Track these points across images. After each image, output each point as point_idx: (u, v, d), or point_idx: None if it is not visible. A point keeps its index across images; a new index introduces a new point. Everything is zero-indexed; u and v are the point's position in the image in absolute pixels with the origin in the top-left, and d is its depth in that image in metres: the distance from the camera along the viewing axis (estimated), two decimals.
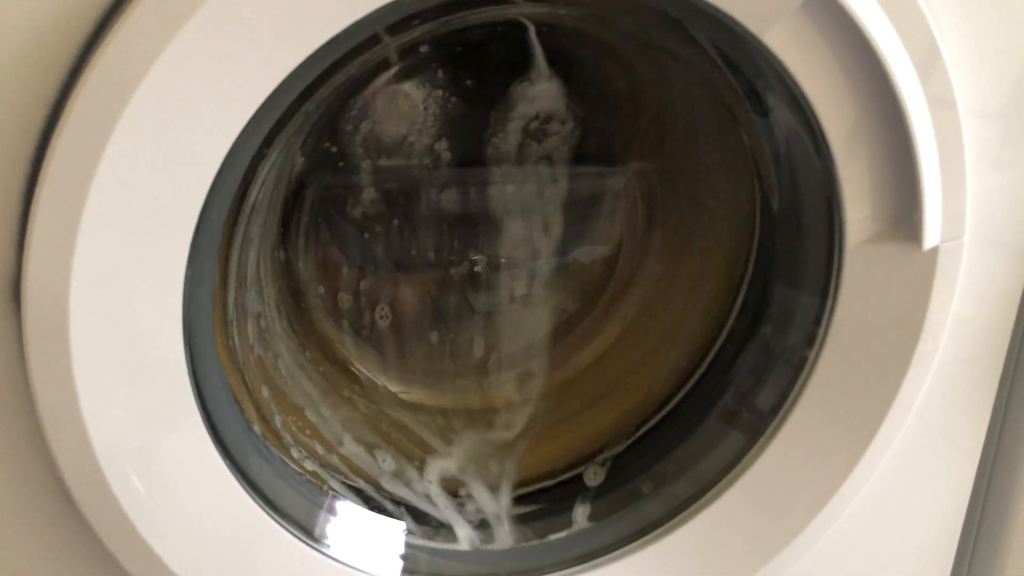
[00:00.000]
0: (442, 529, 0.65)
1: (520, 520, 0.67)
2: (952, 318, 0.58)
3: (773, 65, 0.50)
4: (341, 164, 0.65)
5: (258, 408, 0.60)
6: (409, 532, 0.64)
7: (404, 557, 0.62)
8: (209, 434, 0.51)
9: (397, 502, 0.66)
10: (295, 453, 0.63)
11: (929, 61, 0.50)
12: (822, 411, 0.60)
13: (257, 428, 0.59)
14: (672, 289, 0.73)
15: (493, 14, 0.58)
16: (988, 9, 0.53)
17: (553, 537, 0.65)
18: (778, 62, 0.49)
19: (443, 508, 0.66)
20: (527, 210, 0.70)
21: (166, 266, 0.46)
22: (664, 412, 0.70)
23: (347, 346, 0.72)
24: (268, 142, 0.52)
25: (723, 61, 0.55)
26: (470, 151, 0.67)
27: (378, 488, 0.66)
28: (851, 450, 0.60)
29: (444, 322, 0.73)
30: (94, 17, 0.43)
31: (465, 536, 0.65)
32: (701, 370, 0.69)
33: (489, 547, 0.65)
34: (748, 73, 0.55)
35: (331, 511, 0.61)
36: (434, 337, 0.73)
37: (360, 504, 0.64)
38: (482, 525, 0.66)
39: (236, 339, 0.59)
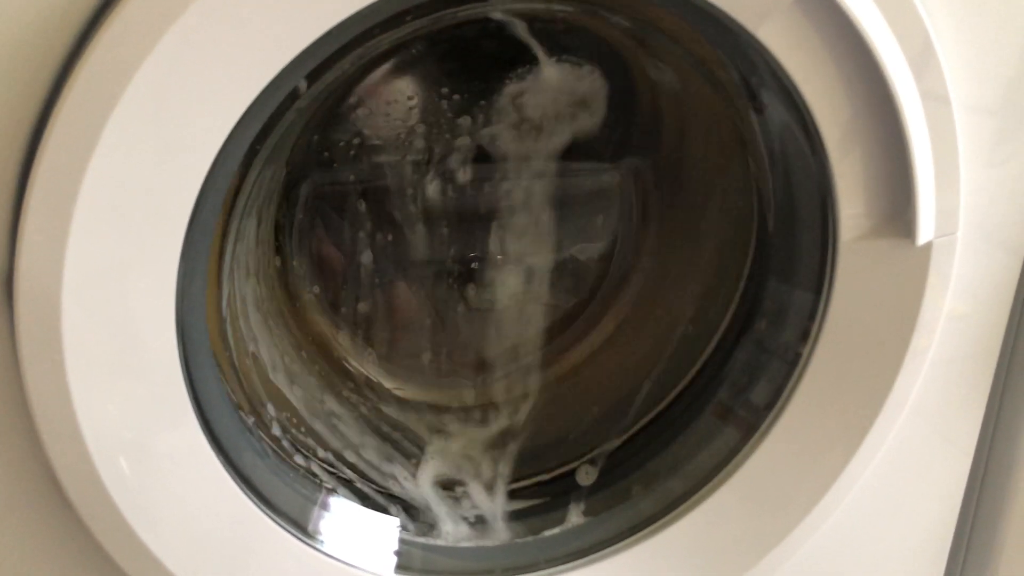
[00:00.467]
0: (436, 525, 0.65)
1: (514, 516, 0.67)
2: (946, 314, 0.58)
3: (767, 60, 0.50)
4: (334, 161, 0.65)
5: (252, 404, 0.60)
6: (403, 528, 0.64)
7: (398, 553, 0.62)
8: (203, 430, 0.51)
9: (391, 498, 0.66)
10: (289, 449, 0.63)
11: (923, 57, 0.50)
12: (816, 407, 0.60)
13: (251, 424, 0.59)
14: (667, 285, 0.73)
15: (486, 10, 0.58)
16: (982, 4, 0.53)
17: (547, 533, 0.65)
18: (772, 57, 0.49)
19: (437, 504, 0.66)
20: (522, 207, 0.70)
21: (159, 262, 0.46)
22: (659, 408, 0.70)
23: (342, 342, 0.72)
24: (261, 138, 0.52)
25: (717, 56, 0.55)
26: (464, 148, 0.66)
27: (372, 484, 0.66)
28: (846, 446, 0.60)
29: (439, 319, 0.73)
30: (86, 12, 0.43)
31: (459, 532, 0.65)
32: (696, 366, 0.69)
33: (483, 543, 0.65)
34: (742, 69, 0.55)
35: (325, 507, 0.61)
36: (429, 334, 0.73)
37: (354, 500, 0.64)
38: (476, 521, 0.66)
39: (230, 335, 0.59)
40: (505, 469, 0.69)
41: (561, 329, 0.74)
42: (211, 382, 0.53)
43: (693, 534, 0.62)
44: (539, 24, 0.61)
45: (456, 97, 0.65)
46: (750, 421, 0.62)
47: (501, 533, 0.65)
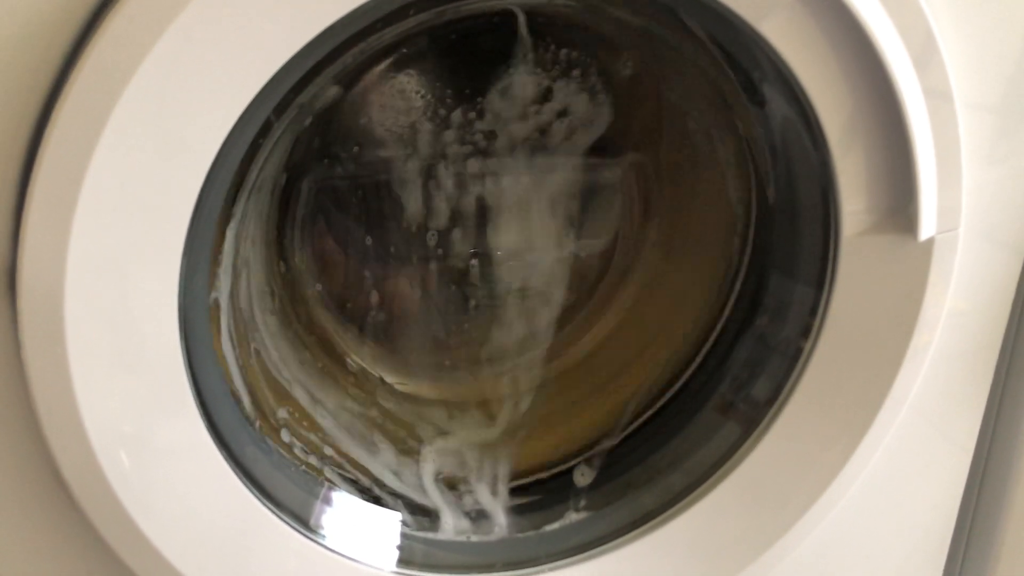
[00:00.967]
0: (438, 520, 0.65)
1: (515, 511, 0.67)
2: (947, 311, 0.58)
3: (769, 55, 0.50)
4: (336, 157, 0.65)
5: (254, 398, 0.60)
6: (404, 523, 0.64)
7: (400, 548, 0.62)
8: (205, 424, 0.51)
9: (393, 493, 0.66)
10: (291, 443, 0.63)
11: (926, 52, 0.50)
12: (817, 402, 0.60)
13: (253, 418, 0.59)
14: (668, 280, 0.73)
15: (487, 4, 0.58)
16: (982, 2, 0.53)
17: (548, 528, 0.65)
18: (774, 52, 0.49)
19: (438, 499, 0.66)
20: (524, 202, 0.70)
21: (162, 256, 0.46)
22: (660, 403, 0.70)
23: (343, 337, 0.72)
24: (263, 133, 0.52)
25: (718, 50, 0.55)
26: (465, 143, 0.66)
27: (374, 479, 0.66)
28: (846, 441, 0.60)
29: (440, 314, 0.73)
30: (90, 6, 0.43)
31: (460, 527, 0.65)
32: (697, 361, 0.69)
33: (484, 538, 0.65)
34: (743, 63, 0.55)
35: (327, 501, 0.61)
36: (430, 329, 0.73)
37: (356, 495, 0.64)
38: (477, 516, 0.66)
39: (233, 330, 0.59)
40: (506, 464, 0.69)
41: (563, 324, 0.74)
42: (213, 377, 0.53)
43: (694, 529, 0.62)
44: (540, 19, 0.61)
45: (457, 93, 0.65)
46: (751, 416, 0.62)
47: (502, 528, 0.65)
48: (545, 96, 0.66)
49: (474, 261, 0.71)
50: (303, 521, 0.58)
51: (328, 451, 0.65)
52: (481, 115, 0.66)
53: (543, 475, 0.70)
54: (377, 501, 0.65)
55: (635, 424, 0.70)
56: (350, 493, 0.64)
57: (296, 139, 0.62)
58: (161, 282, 0.46)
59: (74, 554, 0.54)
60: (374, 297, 0.71)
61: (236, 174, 0.52)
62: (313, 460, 0.63)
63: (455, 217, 0.69)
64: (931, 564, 0.72)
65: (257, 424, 0.59)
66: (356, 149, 0.65)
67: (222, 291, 0.57)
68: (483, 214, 0.69)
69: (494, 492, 0.68)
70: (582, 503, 0.67)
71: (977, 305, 0.62)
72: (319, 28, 0.43)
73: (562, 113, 0.67)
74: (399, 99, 0.65)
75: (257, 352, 0.63)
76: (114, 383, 0.47)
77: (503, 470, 0.69)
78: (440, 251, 0.70)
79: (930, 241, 0.55)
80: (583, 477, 0.69)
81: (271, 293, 0.67)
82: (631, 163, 0.72)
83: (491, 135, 0.66)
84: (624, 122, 0.69)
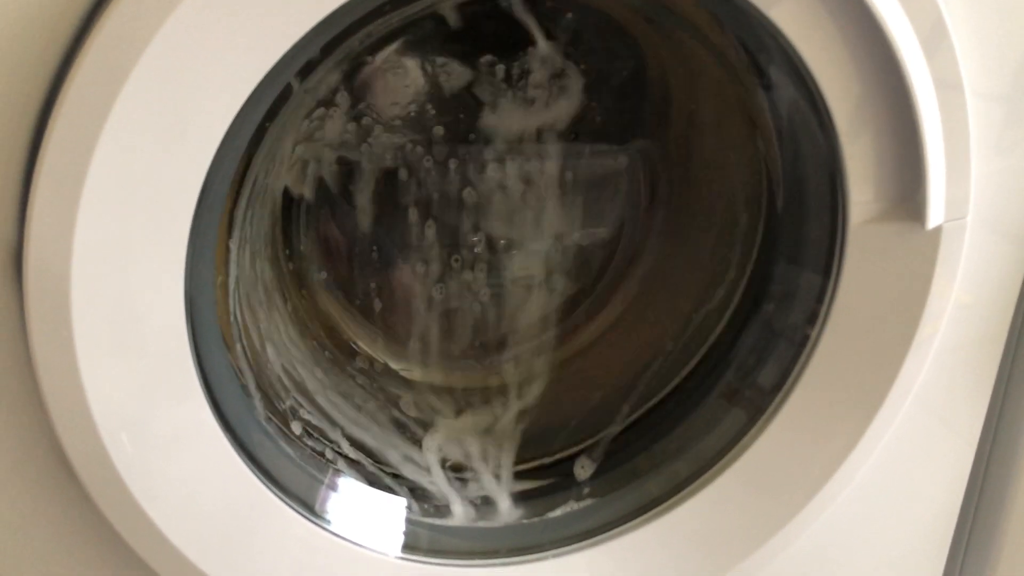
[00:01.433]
0: (442, 506, 0.65)
1: (520, 497, 0.67)
2: (953, 303, 0.58)
3: (776, 39, 0.50)
4: (341, 144, 0.65)
5: (260, 384, 0.60)
6: (410, 508, 0.64)
7: (405, 533, 0.62)
8: (210, 408, 0.51)
9: (398, 478, 0.66)
10: (296, 429, 0.63)
11: (935, 38, 0.50)
12: (823, 390, 0.60)
13: (259, 404, 0.59)
14: (675, 266, 0.73)
15: None
16: None
17: (553, 514, 0.65)
18: (782, 36, 0.49)
19: (443, 485, 0.66)
20: (530, 189, 0.69)
21: (168, 240, 0.46)
22: (666, 390, 0.70)
23: (348, 324, 0.72)
24: (269, 118, 0.52)
25: (725, 33, 0.55)
26: (471, 129, 0.66)
27: (379, 464, 0.66)
28: (852, 430, 0.60)
29: (444, 301, 0.73)
30: None
31: (465, 513, 0.65)
32: (704, 348, 0.69)
33: (489, 524, 0.65)
34: (750, 45, 0.54)
35: (332, 487, 0.61)
36: (435, 316, 0.73)
37: (361, 480, 0.64)
38: (482, 502, 0.66)
39: (238, 315, 0.59)
40: (511, 451, 0.69)
41: (569, 310, 0.74)
42: (219, 361, 0.53)
43: (699, 516, 0.62)
44: (548, 2, 0.60)
45: (464, 76, 0.65)
46: (758, 403, 0.62)
47: (507, 514, 0.66)
48: (551, 81, 0.66)
49: (479, 248, 0.71)
50: (308, 506, 0.58)
51: (333, 437, 0.65)
52: (488, 100, 0.65)
53: (548, 461, 0.70)
54: (382, 487, 0.65)
55: (641, 411, 0.70)
56: (355, 479, 0.64)
57: (302, 125, 0.62)
58: (168, 265, 0.46)
59: (77, 533, 0.54)
60: (379, 284, 0.71)
61: (242, 158, 0.51)
62: (318, 446, 0.64)
63: (461, 204, 0.69)
64: (934, 554, 0.72)
65: (262, 408, 0.59)
66: (360, 135, 0.65)
67: (228, 276, 0.57)
68: (489, 201, 0.69)
69: (498, 479, 0.68)
70: (586, 490, 0.67)
71: (983, 297, 0.62)
72: (328, 10, 0.43)
73: (568, 99, 0.67)
74: (404, 83, 0.64)
75: (263, 337, 0.63)
76: (120, 367, 0.47)
77: (507, 457, 0.69)
78: (446, 238, 0.70)
79: (938, 229, 0.55)
80: (587, 465, 0.69)
81: (277, 279, 0.67)
82: (637, 150, 0.72)
83: (497, 121, 0.66)
84: (631, 108, 0.69)
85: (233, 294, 0.58)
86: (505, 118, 0.66)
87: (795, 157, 0.60)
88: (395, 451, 0.67)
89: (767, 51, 0.53)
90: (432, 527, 0.64)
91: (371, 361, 0.72)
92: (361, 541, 0.59)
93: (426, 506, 0.65)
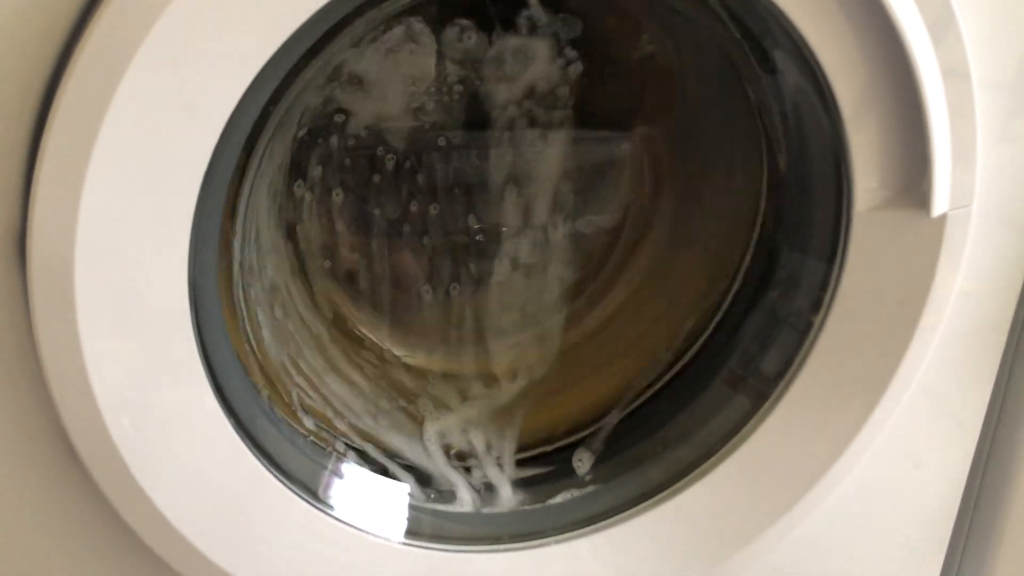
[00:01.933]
0: (445, 491, 0.65)
1: (522, 483, 0.67)
2: (956, 291, 0.58)
3: (781, 23, 0.49)
4: (345, 128, 0.65)
5: (263, 369, 0.60)
6: (412, 494, 0.64)
7: (408, 519, 0.62)
8: (214, 392, 0.51)
9: (401, 464, 0.66)
10: (300, 414, 0.63)
11: (943, 25, 0.50)
12: (826, 377, 0.60)
13: (262, 389, 0.59)
14: (678, 253, 0.73)
15: None
16: None
17: (555, 500, 0.66)
18: (787, 20, 0.49)
19: (446, 471, 0.66)
20: (533, 175, 0.69)
21: (172, 222, 0.46)
22: (669, 376, 0.70)
23: (352, 310, 0.72)
24: (274, 100, 0.52)
25: (729, 17, 0.55)
26: (475, 115, 0.66)
27: (382, 450, 0.66)
28: (855, 417, 0.60)
29: (449, 287, 0.73)
30: None
31: (468, 498, 0.65)
32: (707, 334, 0.69)
33: (492, 510, 0.65)
34: (755, 30, 0.54)
35: (336, 473, 0.61)
36: (439, 302, 0.73)
37: (364, 466, 0.64)
38: (485, 488, 0.66)
39: (242, 301, 0.59)
40: (513, 438, 0.69)
41: (572, 297, 0.74)
42: (223, 346, 0.53)
43: (700, 503, 0.62)
44: None
45: (468, 64, 0.64)
46: (761, 389, 0.62)
47: (509, 500, 0.66)
48: (556, 68, 0.65)
49: (483, 235, 0.71)
50: (311, 491, 0.58)
51: (337, 423, 0.65)
52: (491, 87, 0.65)
53: (551, 447, 0.70)
54: (385, 473, 0.65)
55: (644, 397, 0.70)
56: (358, 464, 0.64)
57: (306, 108, 0.62)
58: (171, 249, 0.46)
59: (79, 514, 0.54)
60: (383, 270, 0.71)
61: (247, 141, 0.51)
62: (322, 431, 0.64)
63: (465, 190, 0.69)
64: (935, 542, 0.72)
65: (266, 394, 0.59)
66: (365, 119, 0.65)
67: (232, 259, 0.57)
68: (493, 187, 0.69)
69: (501, 465, 0.68)
70: (588, 477, 0.67)
71: (986, 286, 0.62)
72: None
73: (572, 84, 0.67)
74: (410, 67, 0.64)
75: (266, 322, 0.63)
76: (123, 349, 0.47)
77: (510, 443, 0.69)
78: (450, 224, 0.70)
79: (942, 217, 0.54)
80: (590, 450, 0.69)
81: (281, 265, 0.66)
82: (641, 136, 0.71)
83: (502, 106, 0.66)
84: (635, 94, 0.69)
85: (237, 277, 0.58)
86: (509, 103, 0.66)
87: (800, 143, 0.59)
88: (398, 437, 0.67)
89: (772, 35, 0.53)
90: (435, 513, 0.64)
91: (375, 348, 0.72)
92: (364, 527, 0.59)
93: (429, 492, 0.65)
